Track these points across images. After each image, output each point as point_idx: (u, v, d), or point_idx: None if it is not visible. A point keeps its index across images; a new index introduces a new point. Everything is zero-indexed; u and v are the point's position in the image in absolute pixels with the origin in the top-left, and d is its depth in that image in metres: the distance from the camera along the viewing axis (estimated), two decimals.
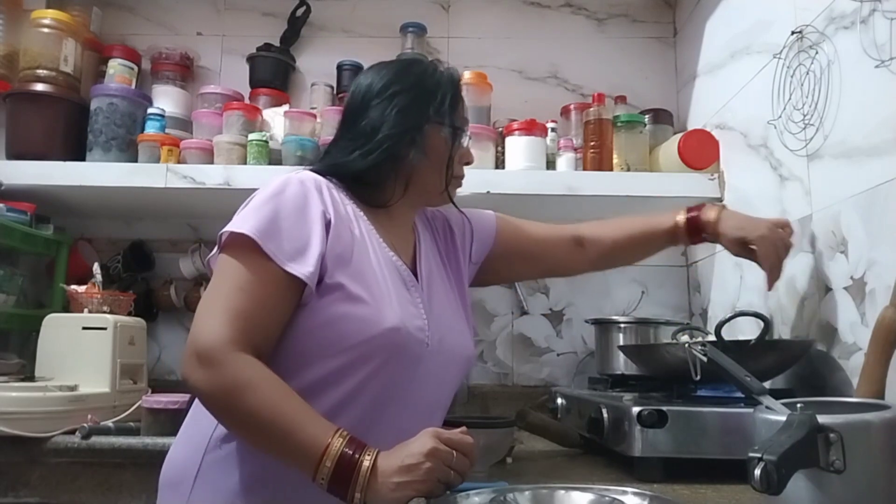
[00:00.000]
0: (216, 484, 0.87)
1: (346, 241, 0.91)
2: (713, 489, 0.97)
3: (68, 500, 1.29)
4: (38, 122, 1.77)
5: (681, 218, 1.15)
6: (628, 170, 1.76)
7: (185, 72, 1.98)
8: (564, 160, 1.79)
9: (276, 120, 1.84)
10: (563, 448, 1.36)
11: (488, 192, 1.70)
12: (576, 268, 1.22)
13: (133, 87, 1.88)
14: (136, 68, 1.91)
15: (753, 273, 1.48)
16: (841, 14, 1.14)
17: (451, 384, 1.01)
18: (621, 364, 1.65)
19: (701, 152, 1.69)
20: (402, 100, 0.98)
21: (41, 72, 1.78)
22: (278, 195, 0.89)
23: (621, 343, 1.68)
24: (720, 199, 1.68)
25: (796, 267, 1.29)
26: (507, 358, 1.92)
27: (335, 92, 1.95)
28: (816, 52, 1.21)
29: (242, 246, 0.85)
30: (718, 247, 1.68)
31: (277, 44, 2.01)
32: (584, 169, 1.77)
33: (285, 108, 1.85)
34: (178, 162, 1.75)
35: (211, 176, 1.69)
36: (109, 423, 1.34)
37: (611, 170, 1.75)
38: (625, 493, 0.78)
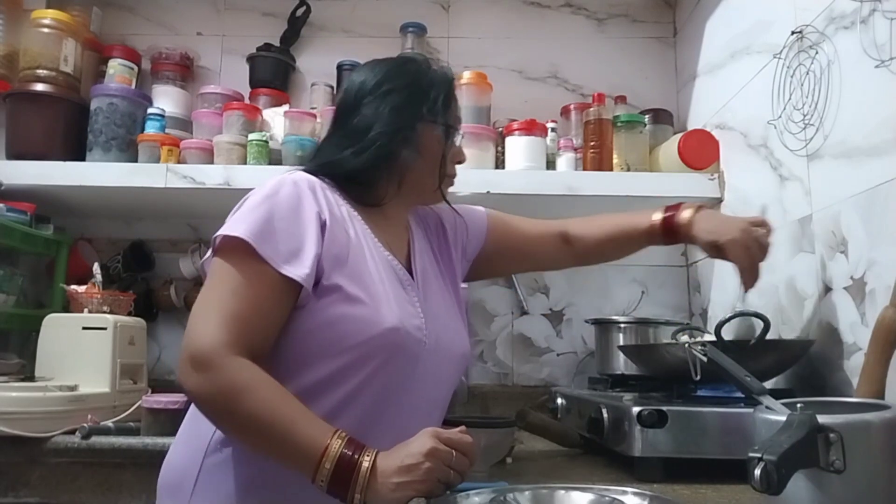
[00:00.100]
0: (217, 487, 0.87)
1: (342, 242, 0.90)
2: (713, 489, 0.97)
3: (68, 500, 1.29)
4: (38, 122, 1.77)
5: (657, 218, 1.11)
6: (628, 170, 1.76)
7: (185, 72, 1.98)
8: (564, 160, 1.79)
9: (276, 120, 1.84)
10: (563, 448, 1.36)
11: (488, 192, 1.70)
12: (561, 263, 1.24)
13: (133, 87, 1.88)
14: (136, 68, 1.91)
15: None
16: (841, 14, 1.14)
17: (448, 383, 1.01)
18: (621, 364, 1.65)
19: (701, 152, 1.69)
20: (396, 98, 0.98)
21: (41, 72, 1.78)
22: (272, 197, 0.88)
23: (621, 343, 1.68)
24: (720, 200, 1.68)
25: (796, 267, 1.29)
26: (507, 358, 1.92)
27: (335, 92, 1.95)
28: (816, 52, 1.21)
29: (236, 249, 0.84)
30: None
31: (277, 44, 2.01)
32: (584, 169, 1.77)
33: (285, 108, 1.85)
34: (178, 162, 1.75)
35: (211, 176, 1.69)
36: (109, 423, 1.34)
37: (611, 170, 1.75)
38: (625, 493, 0.78)
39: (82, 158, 1.77)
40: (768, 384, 1.15)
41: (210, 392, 0.80)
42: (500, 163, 1.81)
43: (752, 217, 1.10)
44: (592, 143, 1.76)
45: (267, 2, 2.07)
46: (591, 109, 1.78)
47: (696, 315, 1.87)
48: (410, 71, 1.02)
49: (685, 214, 1.09)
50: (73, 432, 1.30)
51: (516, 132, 1.77)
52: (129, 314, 1.61)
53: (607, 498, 0.76)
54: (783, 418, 0.69)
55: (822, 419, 0.67)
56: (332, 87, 1.96)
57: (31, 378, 1.45)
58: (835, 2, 1.16)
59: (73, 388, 1.37)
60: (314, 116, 1.82)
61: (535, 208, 1.79)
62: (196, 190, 1.70)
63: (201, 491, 0.87)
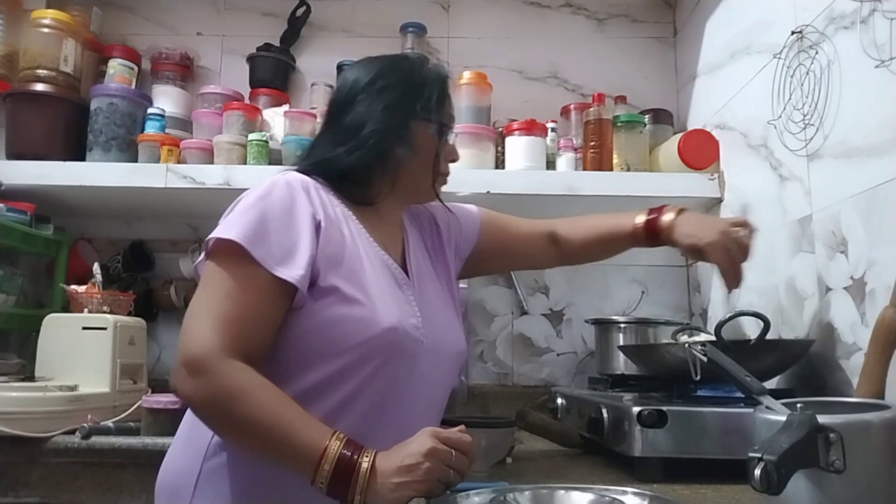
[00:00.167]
0: (217, 491, 0.86)
1: (337, 243, 0.90)
2: (713, 489, 0.97)
3: (68, 500, 1.29)
4: (38, 122, 1.77)
5: (640, 221, 1.11)
6: (628, 170, 1.76)
7: (185, 72, 1.98)
8: (564, 160, 1.79)
9: (276, 120, 1.84)
10: (563, 448, 1.36)
11: (488, 192, 1.70)
12: (549, 262, 1.24)
13: (133, 87, 1.88)
14: (136, 68, 1.91)
15: (753, 273, 1.48)
16: (841, 14, 1.14)
17: (446, 381, 1.01)
18: (621, 364, 1.65)
19: (701, 152, 1.69)
20: (390, 95, 0.97)
21: (41, 72, 1.78)
22: (265, 198, 0.87)
23: (621, 343, 1.68)
24: (720, 200, 1.68)
25: (796, 267, 1.29)
26: (507, 358, 1.92)
27: None
28: (816, 52, 1.21)
29: (230, 252, 0.84)
30: None
31: (277, 44, 2.01)
32: (584, 169, 1.77)
33: (285, 108, 1.85)
34: (178, 162, 1.75)
35: (211, 176, 1.69)
36: (109, 423, 1.34)
37: (611, 170, 1.75)
38: (625, 493, 0.78)
39: (82, 158, 1.77)
40: (768, 384, 1.15)
41: (206, 397, 0.80)
42: (500, 163, 1.81)
43: (732, 218, 1.09)
44: (592, 143, 1.76)
45: (267, 2, 2.07)
46: (591, 109, 1.78)
47: (696, 315, 1.87)
48: (404, 68, 1.01)
49: (666, 218, 1.09)
50: (73, 432, 1.30)
51: (516, 132, 1.77)
52: (129, 314, 1.61)
53: (607, 498, 0.76)
54: (783, 418, 0.69)
55: (822, 419, 0.67)
56: (332, 87, 1.95)
57: (31, 378, 1.45)
58: (835, 2, 1.16)
59: (73, 388, 1.37)
60: (314, 116, 1.82)
61: (535, 208, 1.79)
62: (196, 190, 1.70)
63: (201, 495, 0.87)
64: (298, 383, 0.86)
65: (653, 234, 1.10)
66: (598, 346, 1.76)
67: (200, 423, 0.85)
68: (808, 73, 1.24)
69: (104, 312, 1.52)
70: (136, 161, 1.77)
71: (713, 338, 1.12)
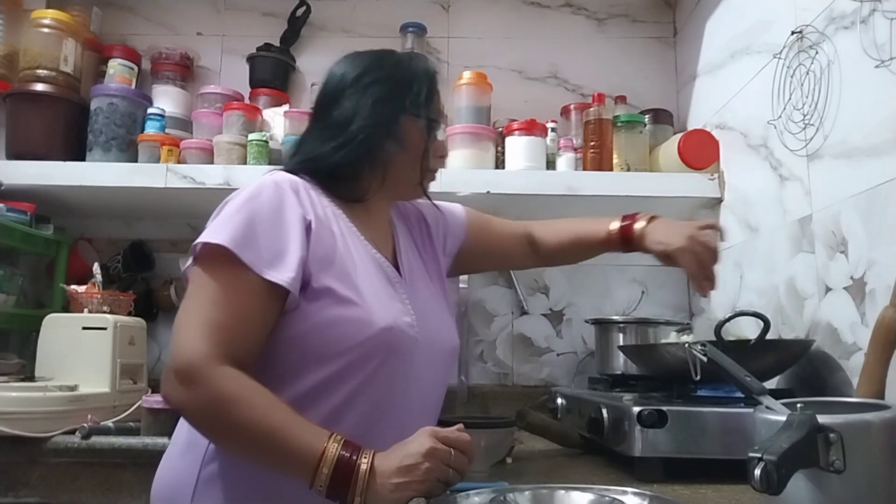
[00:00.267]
0: (215, 497, 0.85)
1: (328, 243, 0.89)
2: (713, 489, 0.97)
3: (68, 500, 1.29)
4: (38, 122, 1.77)
5: (614, 228, 1.12)
6: (628, 170, 1.76)
7: (185, 72, 1.98)
8: (564, 160, 1.79)
9: (276, 120, 1.84)
10: (563, 448, 1.36)
11: (488, 192, 1.70)
12: (525, 264, 1.26)
13: (133, 87, 1.88)
14: (136, 68, 1.91)
15: (753, 273, 1.48)
16: (841, 14, 1.14)
17: (442, 378, 1.01)
18: (621, 364, 1.65)
19: (701, 152, 1.69)
20: (378, 90, 0.96)
21: (41, 72, 1.78)
22: (253, 200, 0.86)
23: (621, 343, 1.68)
24: (720, 200, 1.68)
25: (796, 267, 1.29)
26: (507, 358, 1.92)
27: None
28: (816, 52, 1.21)
29: (218, 256, 0.82)
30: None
31: (277, 44, 2.01)
32: (584, 169, 1.77)
33: (285, 108, 1.85)
34: (178, 162, 1.75)
35: (211, 176, 1.69)
36: (109, 423, 1.34)
37: (611, 170, 1.75)
38: (625, 493, 0.78)
39: (82, 158, 1.77)
40: (768, 384, 1.15)
41: (199, 405, 0.79)
42: (500, 163, 1.81)
43: (701, 221, 1.10)
44: (592, 143, 1.76)
45: (267, 2, 2.07)
46: (591, 109, 1.78)
47: (696, 315, 1.87)
48: (392, 63, 1.00)
49: (638, 225, 1.10)
50: (73, 432, 1.30)
51: (516, 132, 1.77)
52: (129, 314, 1.60)
53: (607, 498, 0.76)
54: (783, 418, 0.69)
55: (822, 419, 0.67)
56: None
57: (31, 378, 1.45)
58: (835, 2, 1.16)
59: (73, 388, 1.37)
60: None
61: (535, 208, 1.80)
62: (196, 190, 1.70)
63: (200, 501, 0.85)
64: (296, 387, 0.85)
65: (626, 241, 1.12)
66: (598, 346, 1.76)
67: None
68: (808, 73, 1.24)
69: (104, 312, 1.52)
70: (136, 161, 1.77)
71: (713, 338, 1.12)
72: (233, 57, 2.05)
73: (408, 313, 0.92)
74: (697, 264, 1.04)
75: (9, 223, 1.62)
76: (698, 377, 1.03)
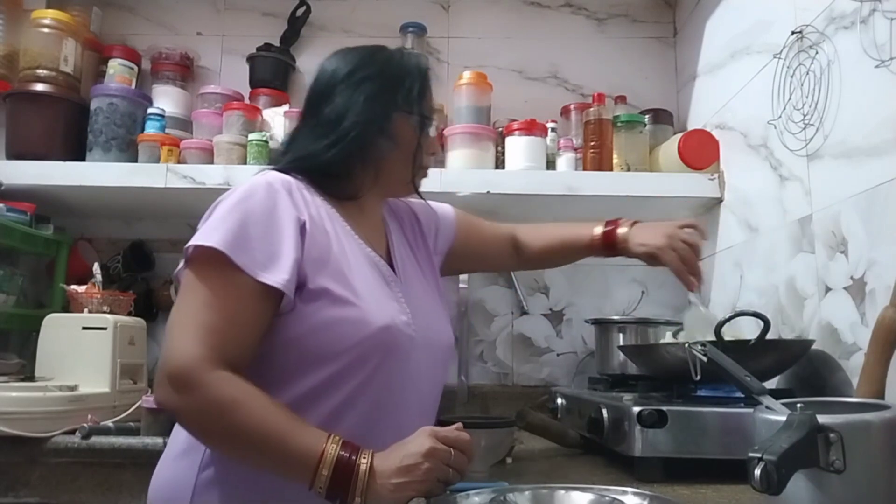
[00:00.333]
0: (214, 502, 0.84)
1: (323, 243, 0.88)
2: (713, 489, 0.97)
3: (68, 500, 1.29)
4: (38, 122, 1.77)
5: (597, 232, 1.16)
6: (628, 170, 1.76)
7: (185, 72, 1.98)
8: (564, 160, 1.79)
9: (276, 120, 1.84)
10: (563, 448, 1.36)
11: (488, 192, 1.70)
12: (509, 266, 1.29)
13: (133, 87, 1.88)
14: (136, 68, 1.91)
15: (753, 273, 1.49)
16: (841, 14, 1.14)
17: (439, 376, 1.01)
18: (621, 364, 1.65)
19: (701, 152, 1.69)
20: (370, 86, 0.95)
21: (41, 72, 1.78)
22: (245, 201, 0.85)
23: (621, 343, 1.68)
24: (720, 200, 1.68)
25: (796, 267, 1.29)
26: (507, 358, 1.92)
27: None
28: (816, 52, 1.21)
29: (211, 259, 0.81)
30: (718, 247, 1.69)
31: (277, 44, 2.01)
32: (584, 169, 1.77)
33: (285, 108, 1.85)
34: (178, 162, 1.75)
35: (211, 176, 1.69)
36: (109, 423, 1.34)
37: (611, 170, 1.75)
38: (625, 493, 0.78)
39: (82, 158, 1.77)
40: (768, 384, 1.15)
41: (195, 411, 0.78)
42: (500, 163, 1.81)
43: (681, 220, 1.14)
44: (592, 143, 1.76)
45: (267, 2, 2.07)
46: (591, 109, 1.78)
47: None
48: (383, 59, 1.00)
49: (621, 231, 1.14)
50: (73, 432, 1.30)
51: (516, 132, 1.77)
52: (129, 314, 1.60)
53: (607, 498, 0.76)
54: (783, 418, 0.69)
55: (822, 419, 0.67)
56: None
57: (31, 378, 1.45)
58: (835, 2, 1.16)
59: (73, 388, 1.37)
60: None
61: (535, 208, 1.80)
62: (196, 190, 1.70)
63: None
64: (294, 389, 0.84)
65: (609, 245, 1.15)
66: (598, 346, 1.76)
67: None
68: (808, 73, 1.24)
69: (104, 312, 1.52)
70: (136, 161, 1.77)
71: (713, 338, 1.12)
72: (233, 57, 2.05)
73: (404, 312, 0.92)
74: (681, 261, 1.09)
75: (9, 223, 1.62)
76: (698, 377, 1.03)
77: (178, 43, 2.03)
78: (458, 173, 1.72)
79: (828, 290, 1.18)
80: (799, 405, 0.71)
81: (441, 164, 1.79)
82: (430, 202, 1.16)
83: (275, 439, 0.77)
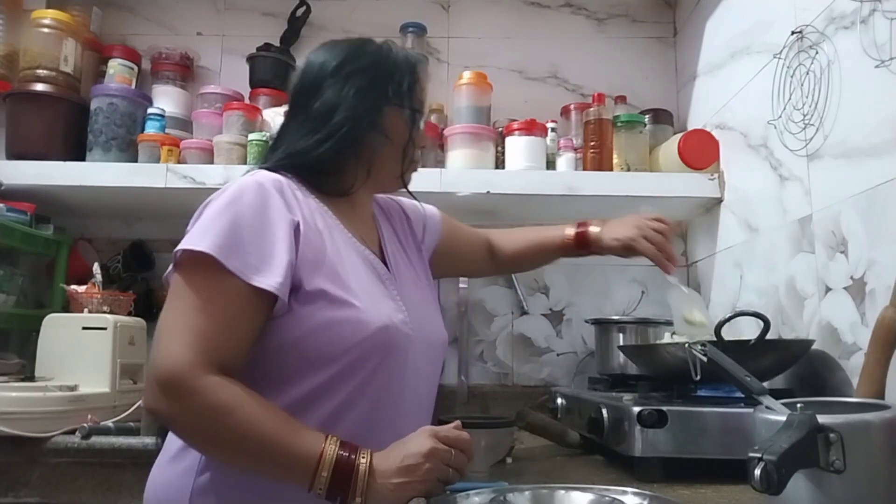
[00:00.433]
0: None
1: (318, 244, 0.86)
2: (713, 489, 0.97)
3: (68, 500, 1.29)
4: (38, 122, 1.77)
5: (570, 233, 1.20)
6: (628, 170, 1.76)
7: (185, 72, 1.98)
8: (564, 160, 1.79)
9: (276, 120, 1.83)
10: (563, 448, 1.36)
11: (488, 192, 1.70)
12: (483, 272, 1.29)
13: (133, 87, 1.88)
14: (136, 68, 1.91)
15: (753, 273, 1.49)
16: (841, 14, 1.14)
17: (434, 374, 1.00)
18: (621, 364, 1.65)
19: (701, 152, 1.69)
20: (360, 80, 0.94)
21: (41, 72, 1.78)
22: (235, 202, 0.82)
23: (621, 343, 1.68)
24: (720, 200, 1.68)
25: (796, 267, 1.29)
26: (507, 358, 1.92)
27: None
28: (816, 52, 1.21)
29: (201, 263, 0.79)
30: (718, 247, 1.69)
31: (277, 44, 2.01)
32: (584, 169, 1.77)
33: (285, 108, 1.84)
34: (178, 162, 1.75)
35: (211, 176, 1.69)
36: (109, 423, 1.33)
37: (611, 170, 1.75)
38: (625, 493, 0.78)
39: (82, 158, 1.77)
40: (768, 384, 1.15)
41: (189, 417, 0.76)
42: (500, 163, 1.81)
43: (645, 213, 1.18)
44: (592, 143, 1.76)
45: (267, 2, 2.07)
46: (591, 109, 1.78)
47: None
48: (372, 52, 0.98)
49: (594, 229, 1.18)
50: (73, 432, 1.30)
51: (516, 132, 1.77)
52: (129, 314, 1.60)
53: (607, 498, 0.76)
54: (783, 418, 0.69)
55: (822, 419, 0.67)
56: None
57: (31, 378, 1.45)
58: (835, 2, 1.16)
59: (73, 388, 1.37)
60: None
61: (535, 208, 1.80)
62: (196, 190, 1.70)
63: None
64: (293, 392, 0.83)
65: (582, 244, 1.19)
66: (598, 346, 1.76)
67: None
68: (808, 73, 1.24)
69: (104, 312, 1.52)
70: (136, 161, 1.77)
71: (713, 338, 1.12)
72: (233, 57, 2.05)
73: (400, 310, 0.91)
74: (653, 247, 1.12)
75: (9, 223, 1.62)
76: (698, 377, 1.03)
77: (178, 43, 2.03)
78: (458, 173, 1.72)
79: (828, 290, 1.18)
80: (799, 405, 0.71)
81: (441, 164, 1.79)
82: (415, 202, 1.15)
83: (271, 443, 0.76)
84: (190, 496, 0.83)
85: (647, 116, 1.86)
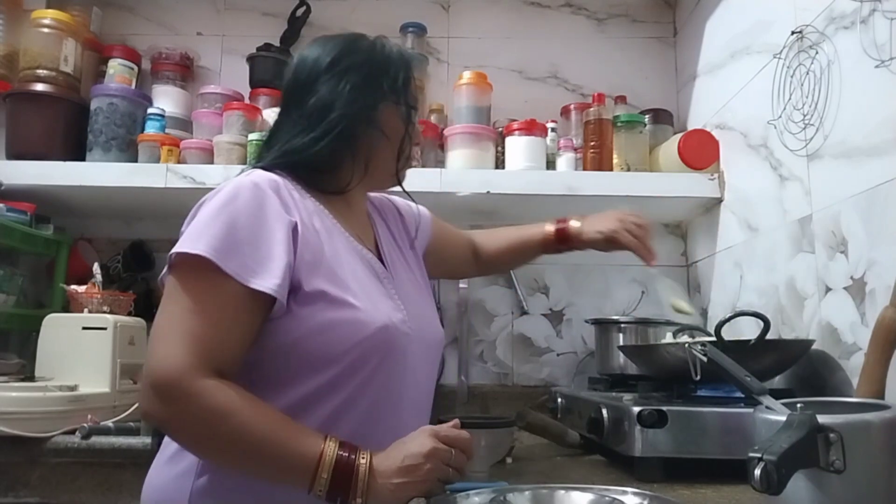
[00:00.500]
0: None
1: (316, 244, 0.85)
2: (713, 489, 0.97)
3: (68, 500, 1.29)
4: (38, 122, 1.77)
5: (550, 229, 1.21)
6: (628, 170, 1.76)
7: (185, 72, 1.98)
8: (564, 160, 1.79)
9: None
10: (563, 448, 1.36)
11: (488, 192, 1.70)
12: (467, 273, 1.30)
13: (133, 87, 1.88)
14: (136, 68, 1.91)
15: (753, 273, 1.49)
16: (841, 14, 1.14)
17: (432, 372, 1.00)
18: (621, 364, 1.65)
19: (701, 152, 1.69)
20: (356, 76, 0.92)
21: (41, 72, 1.78)
22: (230, 203, 0.81)
23: (621, 343, 1.68)
24: (720, 200, 1.68)
25: (796, 267, 1.29)
26: (507, 358, 1.92)
27: None
28: (816, 52, 1.21)
29: (197, 266, 0.77)
30: (718, 247, 1.69)
31: (277, 44, 2.01)
32: (584, 169, 1.77)
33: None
34: (178, 162, 1.75)
35: (211, 176, 1.69)
36: (109, 423, 1.33)
37: (611, 170, 1.75)
38: (625, 493, 0.78)
39: (82, 158, 1.77)
40: (768, 384, 1.15)
41: (185, 421, 0.76)
42: (500, 163, 1.81)
43: (621, 210, 1.20)
44: (592, 143, 1.76)
45: (267, 2, 2.07)
46: (591, 109, 1.78)
47: (696, 315, 1.87)
48: (366, 47, 0.97)
49: (575, 223, 1.20)
50: (73, 432, 1.30)
51: (516, 132, 1.77)
52: (129, 314, 1.60)
53: (607, 498, 0.76)
54: (783, 418, 0.69)
55: (822, 419, 0.67)
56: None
57: (31, 378, 1.45)
58: (835, 2, 1.16)
59: (73, 388, 1.37)
60: None
61: (535, 208, 1.79)
62: (196, 190, 1.70)
63: None
64: (293, 392, 0.83)
65: (563, 240, 1.20)
66: (598, 346, 1.76)
67: None
68: (808, 73, 1.24)
69: (104, 312, 1.52)
70: (136, 161, 1.77)
71: (713, 338, 1.12)
72: (233, 57, 2.05)
73: (399, 309, 0.91)
74: (635, 239, 1.14)
75: (9, 223, 1.62)
76: (698, 377, 1.03)
77: (178, 43, 2.03)
78: (458, 173, 1.72)
79: (828, 290, 1.18)
80: (799, 405, 0.71)
81: (441, 163, 1.79)
82: (407, 201, 1.15)
83: (269, 446, 0.75)
84: (189, 499, 0.82)
85: (647, 116, 1.86)
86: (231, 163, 1.73)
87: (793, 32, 1.27)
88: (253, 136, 1.74)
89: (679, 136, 1.73)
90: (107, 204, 1.87)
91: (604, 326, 1.74)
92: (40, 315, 1.53)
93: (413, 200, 1.11)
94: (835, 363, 1.14)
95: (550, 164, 1.79)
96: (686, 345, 1.03)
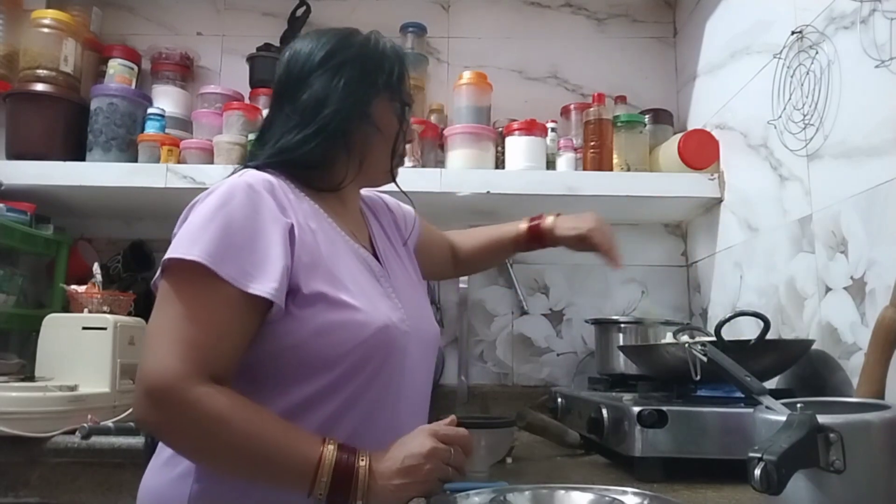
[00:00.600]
0: None
1: (313, 246, 0.84)
2: (713, 489, 0.97)
3: (68, 500, 1.29)
4: (38, 122, 1.77)
5: (523, 227, 1.22)
6: (628, 170, 1.76)
7: (185, 72, 1.98)
8: (564, 160, 1.79)
9: None
10: (563, 448, 1.36)
11: (488, 192, 1.70)
12: (445, 273, 1.30)
13: (133, 87, 1.88)
14: (136, 68, 1.91)
15: (753, 273, 1.49)
16: (841, 14, 1.14)
17: (429, 370, 1.00)
18: (621, 364, 1.65)
19: (701, 152, 1.69)
20: (350, 71, 0.91)
21: (41, 72, 1.78)
22: (225, 206, 0.79)
23: (621, 343, 1.68)
24: (720, 200, 1.68)
25: (796, 267, 1.29)
26: (507, 358, 1.92)
27: None
28: (816, 52, 1.21)
29: (192, 270, 0.76)
30: (718, 247, 1.69)
31: (277, 44, 2.01)
32: (584, 169, 1.77)
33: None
34: (178, 162, 1.75)
35: (211, 176, 1.69)
36: (109, 423, 1.33)
37: (611, 170, 1.75)
38: (625, 493, 0.78)
39: (82, 158, 1.77)
40: (768, 384, 1.15)
41: (181, 429, 0.75)
42: (500, 163, 1.81)
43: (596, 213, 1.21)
44: (592, 143, 1.76)
45: (267, 2, 2.07)
46: (591, 109, 1.78)
47: (696, 315, 1.87)
48: (360, 42, 0.96)
49: (548, 221, 1.20)
50: (73, 432, 1.30)
51: (516, 132, 1.77)
52: (129, 314, 1.60)
53: (607, 498, 0.76)
54: (783, 418, 0.69)
55: (822, 419, 0.67)
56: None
57: (31, 378, 1.45)
58: (835, 2, 1.16)
59: (73, 388, 1.37)
60: None
61: (535, 208, 1.78)
62: (196, 190, 1.65)
63: None
64: (293, 395, 0.82)
65: (536, 237, 1.21)
66: (598, 346, 1.76)
67: None
68: (808, 73, 1.24)
69: (104, 312, 1.52)
70: (136, 161, 1.77)
71: (713, 338, 1.12)
72: (233, 57, 2.05)
73: (397, 308, 0.90)
74: (609, 242, 1.15)
75: (9, 223, 1.62)
76: (698, 377, 1.03)
77: (178, 43, 2.03)
78: (458, 173, 1.72)
79: (828, 290, 1.18)
80: (799, 405, 0.71)
81: (441, 164, 1.79)
82: (395, 200, 1.15)
83: (268, 452, 0.74)
84: (188, 502, 0.81)
85: (647, 116, 1.86)
86: (231, 163, 1.73)
87: (793, 32, 1.27)
88: (253, 136, 1.74)
89: (679, 136, 1.73)
90: (107, 204, 1.87)
91: (604, 326, 1.74)
92: (40, 315, 1.53)
93: (407, 197, 1.08)
94: (835, 363, 1.14)
95: (550, 164, 1.79)
96: (686, 345, 1.03)
